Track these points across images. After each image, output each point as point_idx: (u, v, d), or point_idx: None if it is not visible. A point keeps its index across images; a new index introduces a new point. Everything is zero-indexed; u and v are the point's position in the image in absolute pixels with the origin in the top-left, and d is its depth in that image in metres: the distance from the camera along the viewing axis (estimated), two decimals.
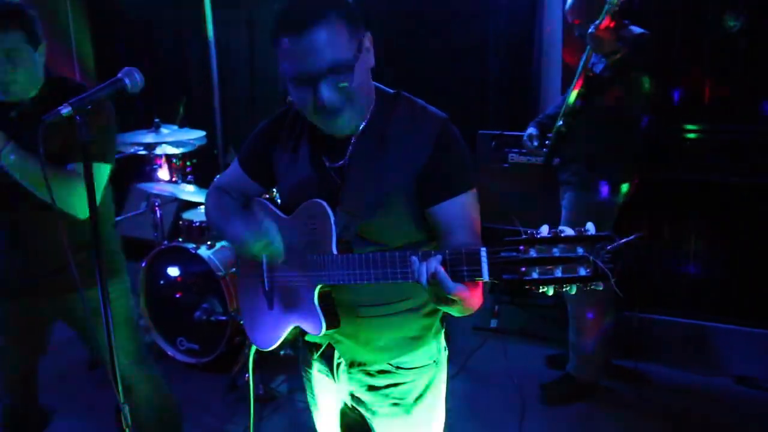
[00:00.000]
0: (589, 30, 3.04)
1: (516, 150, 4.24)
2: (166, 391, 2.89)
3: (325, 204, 1.64)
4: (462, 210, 1.62)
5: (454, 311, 1.47)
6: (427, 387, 1.87)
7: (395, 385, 1.84)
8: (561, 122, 3.42)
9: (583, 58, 3.26)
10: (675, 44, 3.95)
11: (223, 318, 3.86)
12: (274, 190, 3.10)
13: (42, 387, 3.69)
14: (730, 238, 3.99)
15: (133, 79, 1.81)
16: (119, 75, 1.80)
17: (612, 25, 2.97)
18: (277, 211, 1.85)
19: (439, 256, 1.36)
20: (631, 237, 1.11)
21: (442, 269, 1.34)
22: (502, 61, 4.68)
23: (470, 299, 1.39)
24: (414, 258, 1.41)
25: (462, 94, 4.81)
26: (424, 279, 1.37)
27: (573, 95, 3.32)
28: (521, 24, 4.58)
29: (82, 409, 3.67)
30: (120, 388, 1.82)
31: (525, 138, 3.71)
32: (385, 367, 1.83)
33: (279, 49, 1.54)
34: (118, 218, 4.56)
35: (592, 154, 3.40)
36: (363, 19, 1.57)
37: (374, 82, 1.70)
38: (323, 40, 1.47)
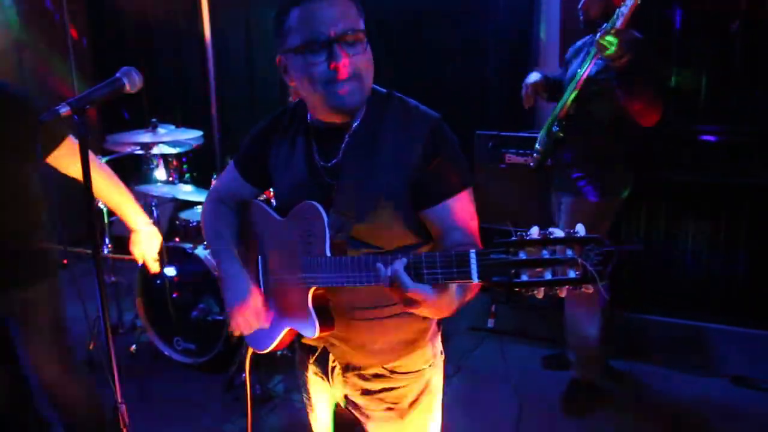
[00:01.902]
0: (597, 36, 2.90)
1: (513, 150, 4.24)
2: (97, 397, 2.84)
3: (318, 206, 1.63)
4: (457, 211, 1.61)
5: (424, 313, 1.44)
6: (423, 392, 1.86)
7: (390, 389, 1.83)
8: (557, 127, 3.34)
9: (584, 63, 3.19)
10: (674, 45, 3.96)
11: (220, 318, 3.86)
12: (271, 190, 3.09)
13: None
14: (726, 239, 3.99)
15: (131, 78, 1.82)
16: (117, 75, 1.81)
17: (623, 27, 2.88)
18: (273, 213, 1.84)
19: (404, 260, 1.35)
20: (630, 246, 1.12)
21: (400, 269, 1.33)
22: (499, 62, 4.69)
23: (437, 302, 1.35)
24: (379, 264, 1.40)
25: (459, 94, 4.81)
26: (387, 281, 1.36)
27: (570, 99, 3.26)
28: (519, 24, 4.58)
29: None
30: (118, 388, 1.82)
31: (528, 82, 3.57)
32: (379, 371, 1.82)
33: (288, 23, 1.58)
34: (114, 218, 4.57)
35: (589, 160, 3.35)
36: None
37: None
38: (340, 8, 1.54)
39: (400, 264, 1.35)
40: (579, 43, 3.51)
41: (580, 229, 1.14)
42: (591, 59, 3.14)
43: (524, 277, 1.17)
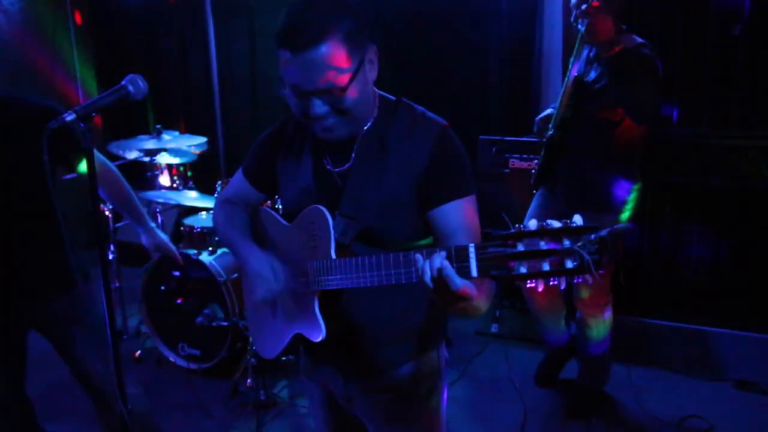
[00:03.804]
0: (582, 7, 2.82)
1: (517, 155, 4.26)
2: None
3: (323, 209, 1.65)
4: (461, 214, 1.62)
5: (461, 311, 1.44)
6: (427, 397, 1.87)
7: (394, 394, 1.83)
8: (553, 131, 3.30)
9: (571, 60, 3.14)
10: (676, 48, 3.96)
11: (225, 323, 3.86)
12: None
13: (44, 393, 3.71)
14: (729, 242, 3.99)
15: (137, 86, 1.83)
16: (123, 82, 1.82)
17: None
18: (280, 219, 1.86)
19: (443, 252, 1.34)
20: (621, 226, 1.12)
21: (448, 264, 1.31)
22: (502, 67, 4.70)
23: (477, 298, 1.36)
24: (418, 256, 1.39)
25: (463, 99, 4.83)
26: (428, 277, 1.35)
27: (563, 101, 3.21)
28: (522, 30, 4.60)
29: (84, 414, 3.67)
30: (122, 394, 1.82)
31: (538, 118, 3.52)
32: (384, 376, 1.82)
33: (279, 57, 1.56)
34: (119, 224, 4.59)
35: (593, 172, 3.25)
36: (368, 33, 1.59)
37: (378, 90, 1.72)
38: (319, 63, 1.50)
39: (439, 258, 1.33)
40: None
41: (578, 219, 1.15)
42: (577, 47, 3.07)
43: (523, 270, 1.17)
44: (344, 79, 1.53)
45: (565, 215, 3.31)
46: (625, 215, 3.27)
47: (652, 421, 3.49)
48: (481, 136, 4.41)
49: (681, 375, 3.90)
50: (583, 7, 2.82)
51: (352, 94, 1.55)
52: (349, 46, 1.53)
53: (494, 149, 4.33)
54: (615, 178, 3.23)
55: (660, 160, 4.00)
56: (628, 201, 3.26)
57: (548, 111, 3.54)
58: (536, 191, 3.61)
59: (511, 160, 4.28)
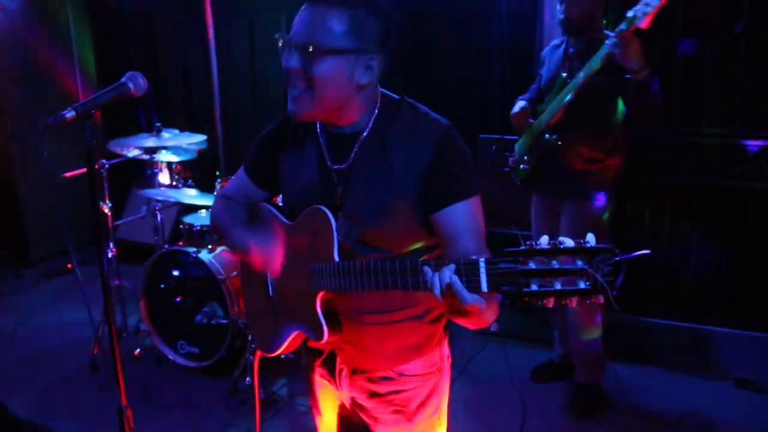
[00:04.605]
0: (613, 41, 2.80)
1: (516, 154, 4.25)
2: None
3: (326, 210, 1.63)
4: (466, 216, 1.60)
5: (469, 323, 1.43)
6: (431, 395, 1.86)
7: (397, 392, 1.83)
8: (549, 135, 3.32)
9: (591, 66, 3.06)
10: (676, 48, 3.96)
11: (224, 322, 3.86)
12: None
13: (44, 391, 3.71)
14: (730, 241, 3.99)
15: (137, 83, 1.83)
16: (123, 79, 1.82)
17: (645, 26, 2.69)
18: (281, 217, 1.85)
19: (453, 266, 1.32)
20: (637, 254, 1.10)
21: (457, 279, 1.29)
22: (503, 66, 4.69)
23: (486, 311, 1.34)
24: (427, 268, 1.37)
25: (463, 98, 4.83)
26: (437, 290, 1.33)
27: (562, 104, 3.23)
28: (522, 28, 4.59)
29: (84, 412, 3.68)
30: (122, 391, 1.82)
31: (513, 113, 3.56)
32: (387, 374, 1.82)
33: None
34: (119, 222, 4.57)
35: (575, 162, 3.31)
36: (382, 40, 1.61)
37: (381, 89, 1.71)
38: (316, 19, 1.54)
39: (449, 271, 1.31)
40: (555, 42, 3.52)
41: (591, 239, 1.13)
42: (599, 63, 2.99)
43: (534, 287, 1.16)
44: (326, 45, 1.54)
45: (552, 207, 3.41)
46: (606, 211, 3.36)
47: (651, 419, 3.50)
48: (480, 135, 4.40)
49: (680, 373, 3.91)
50: (622, 27, 2.75)
51: (325, 67, 1.56)
52: (352, 28, 1.54)
53: (494, 148, 4.32)
54: (596, 169, 3.31)
55: (660, 160, 4.01)
56: (608, 193, 3.34)
57: (521, 104, 3.58)
58: (532, 194, 3.69)
59: (511, 158, 4.26)
